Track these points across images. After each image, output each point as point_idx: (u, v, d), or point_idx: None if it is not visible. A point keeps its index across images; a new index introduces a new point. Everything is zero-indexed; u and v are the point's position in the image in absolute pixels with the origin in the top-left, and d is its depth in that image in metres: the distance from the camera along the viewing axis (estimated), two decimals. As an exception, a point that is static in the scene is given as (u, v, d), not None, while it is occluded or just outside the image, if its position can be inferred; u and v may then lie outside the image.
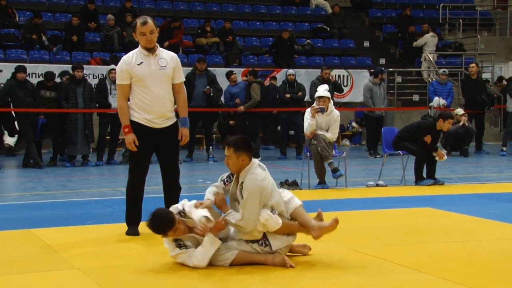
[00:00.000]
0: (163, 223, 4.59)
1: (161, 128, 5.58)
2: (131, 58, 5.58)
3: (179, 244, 4.65)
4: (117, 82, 5.64)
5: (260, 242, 4.65)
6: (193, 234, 4.67)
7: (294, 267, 4.56)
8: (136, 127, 5.57)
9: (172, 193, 5.78)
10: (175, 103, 5.77)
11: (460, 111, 14.02)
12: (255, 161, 4.80)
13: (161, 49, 5.65)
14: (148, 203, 5.69)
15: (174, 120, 5.69)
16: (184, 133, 5.71)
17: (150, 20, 5.52)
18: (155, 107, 5.53)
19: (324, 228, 4.77)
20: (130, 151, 5.66)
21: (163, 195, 5.86)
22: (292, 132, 14.25)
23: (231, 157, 4.71)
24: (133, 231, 5.65)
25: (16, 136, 12.73)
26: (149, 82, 5.51)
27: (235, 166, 4.71)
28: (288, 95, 13.38)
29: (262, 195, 4.61)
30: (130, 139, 5.52)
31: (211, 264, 4.57)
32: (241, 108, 13.04)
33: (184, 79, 5.84)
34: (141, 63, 5.53)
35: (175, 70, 5.63)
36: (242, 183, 4.67)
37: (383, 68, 15.11)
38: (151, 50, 5.55)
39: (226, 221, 4.63)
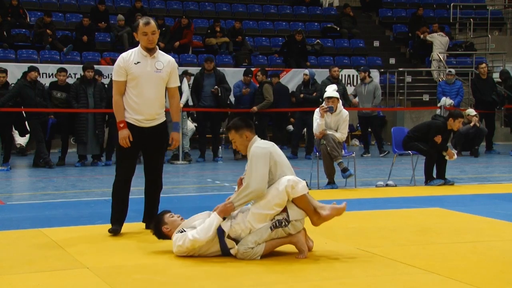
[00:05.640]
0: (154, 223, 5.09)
1: (148, 127, 5.65)
2: (129, 56, 5.64)
3: (180, 231, 4.84)
4: (114, 78, 5.68)
5: (283, 223, 4.69)
6: (194, 224, 4.84)
7: (306, 257, 4.75)
8: None
9: (152, 193, 5.87)
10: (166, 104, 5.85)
11: (471, 111, 13.95)
12: (258, 138, 4.90)
13: (160, 52, 5.73)
14: (136, 204, 5.79)
15: (162, 119, 5.74)
16: (175, 137, 5.81)
17: (152, 21, 5.61)
18: (145, 108, 5.60)
19: (335, 209, 4.84)
20: (118, 149, 5.72)
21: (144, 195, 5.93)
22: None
23: (235, 139, 4.86)
24: (115, 228, 5.68)
25: (28, 136, 12.79)
26: (143, 82, 5.57)
27: (242, 145, 4.84)
28: (301, 95, 13.36)
29: (266, 157, 4.66)
30: (125, 134, 5.58)
31: (241, 259, 4.70)
32: (254, 108, 13.02)
33: (180, 84, 5.94)
34: (138, 62, 5.59)
35: (171, 74, 5.70)
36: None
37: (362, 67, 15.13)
38: (150, 51, 5.62)
39: (233, 204, 4.70)
